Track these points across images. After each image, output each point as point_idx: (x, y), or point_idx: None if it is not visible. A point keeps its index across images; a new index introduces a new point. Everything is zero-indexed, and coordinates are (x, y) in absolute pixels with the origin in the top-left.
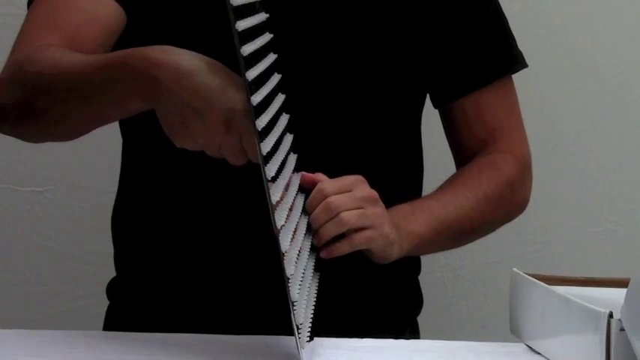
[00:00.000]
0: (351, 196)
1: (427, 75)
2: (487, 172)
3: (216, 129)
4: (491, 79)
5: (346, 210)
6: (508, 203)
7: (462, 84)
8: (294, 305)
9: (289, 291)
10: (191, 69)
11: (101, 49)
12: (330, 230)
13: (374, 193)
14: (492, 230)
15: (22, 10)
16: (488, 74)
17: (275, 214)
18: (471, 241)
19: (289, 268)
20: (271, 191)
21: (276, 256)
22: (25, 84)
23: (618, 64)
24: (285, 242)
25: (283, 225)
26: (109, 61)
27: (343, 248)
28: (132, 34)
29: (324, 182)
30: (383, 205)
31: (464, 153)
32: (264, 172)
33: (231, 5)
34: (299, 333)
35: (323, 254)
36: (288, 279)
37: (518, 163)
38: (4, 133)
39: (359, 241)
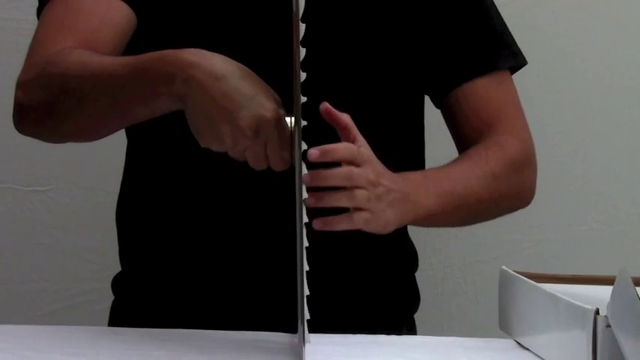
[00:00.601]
0: (370, 175)
1: (428, 67)
2: (493, 152)
3: (243, 133)
4: (487, 70)
5: (361, 188)
6: (514, 185)
7: (459, 73)
8: (305, 300)
9: (305, 285)
10: (225, 72)
11: (115, 52)
12: (339, 200)
13: (387, 174)
14: (497, 214)
15: (24, 15)
16: (485, 65)
17: (302, 212)
18: (477, 221)
19: (307, 264)
20: (303, 190)
21: (287, 252)
22: (50, 86)
23: (604, 70)
24: (306, 238)
25: (306, 222)
26: (142, 62)
27: (342, 225)
28: (142, 35)
29: (362, 148)
30: (393, 184)
31: (465, 142)
32: (299, 173)
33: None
34: (305, 327)
35: (317, 224)
36: (306, 273)
37: (521, 146)
38: (22, 133)
39: (357, 221)
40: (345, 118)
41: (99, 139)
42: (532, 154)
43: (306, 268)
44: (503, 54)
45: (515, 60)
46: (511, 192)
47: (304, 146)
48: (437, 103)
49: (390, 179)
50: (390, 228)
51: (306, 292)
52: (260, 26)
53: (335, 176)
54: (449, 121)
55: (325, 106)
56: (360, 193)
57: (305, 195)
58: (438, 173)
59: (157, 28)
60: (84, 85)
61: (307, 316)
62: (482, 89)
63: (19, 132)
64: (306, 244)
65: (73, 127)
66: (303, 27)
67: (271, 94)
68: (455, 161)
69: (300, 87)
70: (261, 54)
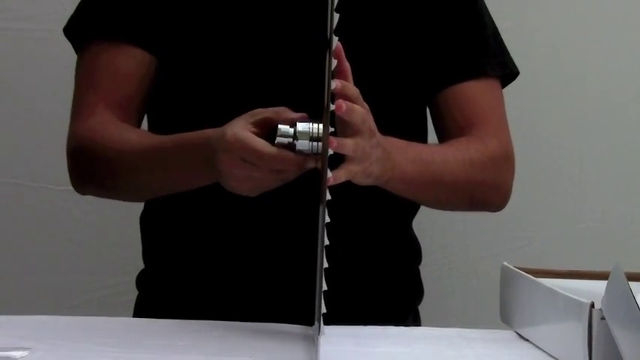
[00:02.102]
0: (372, 125)
1: (425, 67)
2: (474, 143)
3: (235, 169)
4: (475, 75)
5: (363, 135)
6: (490, 176)
7: (450, 75)
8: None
9: (324, 281)
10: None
11: (143, 101)
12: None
13: (378, 133)
14: (470, 202)
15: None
16: (474, 70)
17: (324, 213)
18: (451, 205)
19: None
20: (327, 190)
21: (302, 249)
22: (94, 161)
23: (600, 76)
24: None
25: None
26: (171, 146)
27: (340, 174)
28: (168, 72)
29: (366, 109)
30: (381, 140)
31: (447, 139)
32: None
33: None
34: (320, 321)
35: (329, 182)
36: (324, 270)
37: (501, 145)
38: (81, 194)
39: (348, 172)
40: (347, 66)
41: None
42: (511, 154)
43: (325, 265)
44: (492, 62)
45: (503, 69)
46: (486, 182)
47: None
48: (427, 101)
49: (379, 136)
50: (371, 181)
51: (324, 287)
52: (289, 47)
53: (357, 111)
54: (435, 118)
55: (339, 48)
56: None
57: (328, 197)
58: (418, 145)
59: (179, 62)
60: (120, 166)
61: (323, 309)
62: (468, 92)
63: (79, 193)
64: (326, 242)
65: (117, 196)
66: (335, 39)
67: (237, 121)
68: (437, 144)
69: (330, 96)
70: (291, 71)
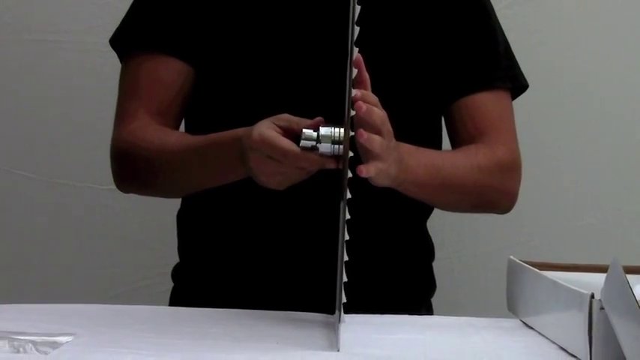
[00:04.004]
0: (390, 129)
1: (440, 79)
2: (482, 150)
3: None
4: (487, 86)
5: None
6: (498, 182)
7: (463, 86)
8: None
9: (344, 274)
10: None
11: (182, 109)
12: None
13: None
14: (479, 205)
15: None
16: (485, 82)
17: (345, 211)
18: (461, 207)
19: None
20: (347, 189)
21: (324, 244)
22: (133, 166)
23: (599, 82)
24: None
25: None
26: (206, 144)
27: (364, 170)
28: (204, 80)
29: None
30: (396, 145)
31: (459, 147)
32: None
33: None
34: (340, 310)
35: (363, 173)
36: (345, 263)
37: (509, 152)
38: (125, 193)
39: (370, 168)
40: (367, 76)
41: (184, 196)
42: (518, 162)
43: (346, 258)
44: (503, 75)
45: (513, 81)
46: (494, 186)
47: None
48: (441, 111)
49: (395, 141)
50: (388, 182)
51: (345, 279)
52: (313, 57)
53: (376, 112)
54: (448, 127)
55: (358, 56)
56: (382, 140)
57: (349, 195)
58: (430, 151)
59: (213, 71)
60: (160, 166)
61: (344, 299)
62: (479, 102)
63: (122, 192)
64: (346, 237)
65: (157, 193)
66: (356, 50)
67: (263, 122)
68: (448, 150)
69: (351, 102)
70: (314, 79)
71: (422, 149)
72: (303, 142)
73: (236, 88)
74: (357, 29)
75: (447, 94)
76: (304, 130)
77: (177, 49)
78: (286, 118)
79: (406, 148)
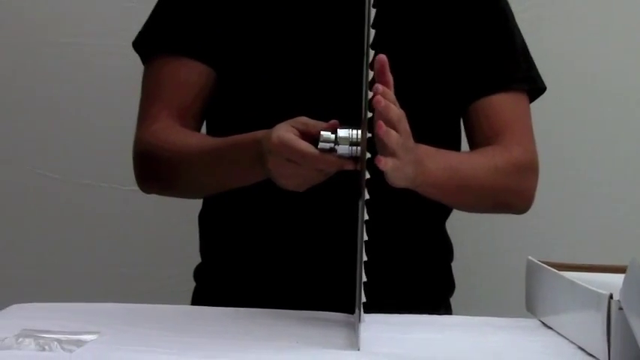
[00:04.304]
0: (409, 129)
1: (459, 81)
2: (499, 151)
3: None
4: (504, 88)
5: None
6: (515, 182)
7: (481, 88)
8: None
9: (364, 274)
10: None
11: (202, 108)
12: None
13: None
14: (496, 205)
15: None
16: (503, 83)
17: (364, 212)
18: (479, 208)
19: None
20: (365, 192)
21: (346, 245)
22: (155, 167)
23: (616, 84)
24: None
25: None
26: (226, 147)
27: (381, 164)
28: (225, 82)
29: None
30: (414, 146)
31: (476, 147)
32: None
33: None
34: (360, 309)
35: (381, 164)
36: (364, 264)
37: (526, 153)
38: (146, 193)
39: (386, 163)
40: (390, 78)
41: (204, 197)
42: (535, 162)
43: (365, 258)
44: (520, 77)
45: (529, 83)
46: (511, 187)
47: (368, 155)
48: (459, 112)
49: (412, 142)
50: (405, 183)
51: (364, 279)
52: (332, 59)
53: (394, 109)
54: (466, 128)
55: (383, 58)
56: (398, 136)
57: (367, 196)
58: (448, 152)
59: (233, 73)
60: (181, 166)
61: (363, 299)
62: (496, 104)
63: (144, 192)
64: (365, 238)
65: (179, 194)
66: (371, 53)
67: (281, 125)
68: (465, 151)
69: (367, 104)
70: (332, 81)
71: (440, 151)
72: (321, 145)
73: (256, 89)
74: (372, 32)
75: (464, 95)
76: (322, 133)
77: (198, 52)
78: (304, 121)
79: (424, 149)
